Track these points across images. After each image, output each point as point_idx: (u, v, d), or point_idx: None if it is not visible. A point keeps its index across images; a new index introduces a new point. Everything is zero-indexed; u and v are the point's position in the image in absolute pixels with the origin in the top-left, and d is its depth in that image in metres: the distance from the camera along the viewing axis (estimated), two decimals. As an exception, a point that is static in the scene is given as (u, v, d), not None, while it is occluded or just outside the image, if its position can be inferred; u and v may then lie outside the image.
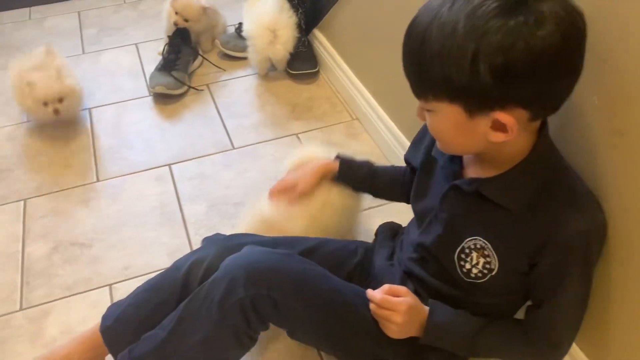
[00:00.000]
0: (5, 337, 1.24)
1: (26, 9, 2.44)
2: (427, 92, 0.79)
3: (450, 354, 0.99)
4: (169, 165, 1.68)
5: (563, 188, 0.84)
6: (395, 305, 0.94)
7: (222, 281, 0.92)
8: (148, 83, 1.96)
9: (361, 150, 1.70)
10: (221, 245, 1.06)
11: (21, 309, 1.29)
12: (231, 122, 1.83)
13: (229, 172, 1.63)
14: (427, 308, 0.96)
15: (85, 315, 1.27)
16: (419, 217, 1.06)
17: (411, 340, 0.97)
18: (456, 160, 0.96)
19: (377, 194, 1.27)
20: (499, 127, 0.78)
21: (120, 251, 1.42)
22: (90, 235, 1.46)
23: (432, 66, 0.74)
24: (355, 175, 1.25)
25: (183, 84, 1.93)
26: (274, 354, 1.19)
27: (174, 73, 1.92)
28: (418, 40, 0.75)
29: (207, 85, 2.01)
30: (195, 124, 1.83)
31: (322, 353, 1.19)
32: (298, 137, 1.77)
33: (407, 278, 1.05)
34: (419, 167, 1.07)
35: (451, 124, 0.81)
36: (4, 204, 1.55)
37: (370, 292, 0.95)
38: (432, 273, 1.01)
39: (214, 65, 2.08)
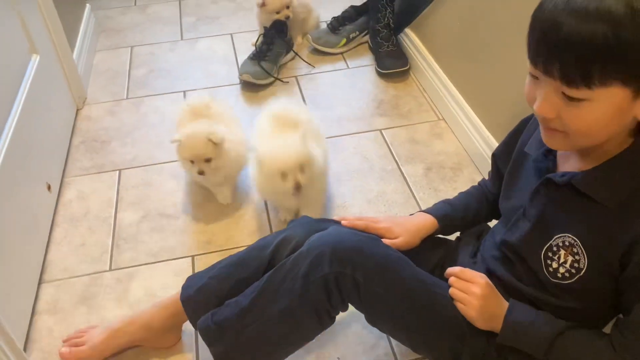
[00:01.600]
0: (94, 292, 1.32)
1: (133, -4, 2.60)
2: (594, 77, 0.71)
3: (530, 356, 0.95)
4: (255, 149, 1.72)
5: None
6: (474, 277, 0.94)
7: (307, 256, 0.94)
8: (238, 70, 2.03)
9: (445, 150, 1.68)
10: (308, 228, 1.08)
11: (110, 269, 1.37)
12: (317, 114, 1.85)
13: (312, 161, 1.66)
14: (506, 303, 0.93)
15: (167, 282, 1.33)
16: (506, 215, 1.03)
17: (489, 336, 0.95)
18: (551, 156, 0.92)
19: (473, 225, 1.19)
20: None
21: (204, 225, 1.48)
22: (178, 208, 1.53)
23: (627, 50, 0.69)
24: (454, 225, 1.15)
25: (269, 75, 1.98)
26: (345, 341, 1.20)
27: (263, 63, 1.98)
28: (606, 24, 0.69)
29: (296, 77, 2.05)
30: (282, 112, 1.87)
31: (393, 344, 1.18)
32: (381, 133, 1.77)
33: (488, 277, 1.03)
34: (510, 165, 1.04)
35: (609, 110, 0.74)
36: (101, 172, 1.65)
37: (449, 268, 0.94)
38: (515, 273, 0.98)
39: (304, 60, 2.12)
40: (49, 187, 1.50)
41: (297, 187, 1.25)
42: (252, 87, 1.98)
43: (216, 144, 1.37)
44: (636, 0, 0.68)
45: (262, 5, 2.03)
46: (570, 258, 0.87)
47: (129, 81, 2.05)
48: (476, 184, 1.23)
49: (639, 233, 0.79)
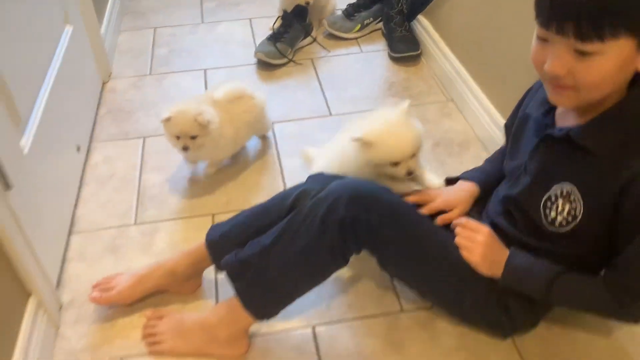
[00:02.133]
0: (120, 244, 1.40)
1: (155, -19, 2.69)
2: (605, 28, 0.78)
3: (530, 300, 1.03)
4: (272, 123, 1.81)
5: None
6: (478, 227, 1.03)
7: (326, 200, 1.02)
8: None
9: (453, 128, 1.76)
10: (325, 182, 1.15)
11: (135, 223, 1.46)
12: (330, 93, 1.95)
13: (324, 134, 1.73)
14: (507, 251, 1.02)
15: (189, 236, 1.42)
16: (510, 174, 1.11)
17: (490, 282, 1.03)
18: (549, 115, 1.01)
19: None
20: None
21: (224, 187, 1.57)
22: (198, 173, 1.62)
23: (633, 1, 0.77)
24: (490, 189, 1.20)
25: (283, 56, 2.06)
26: (355, 292, 1.28)
27: (278, 44, 2.07)
28: None
29: (312, 59, 2.14)
30: (298, 91, 1.96)
31: (400, 295, 1.26)
32: (393, 111, 1.85)
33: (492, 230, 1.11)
34: (514, 129, 1.12)
35: (617, 62, 0.82)
36: (127, 139, 1.75)
37: (456, 219, 1.02)
38: (516, 225, 1.06)
39: (320, 45, 2.20)
40: (78, 149, 1.60)
41: (410, 173, 1.13)
42: (267, 67, 2.07)
43: (201, 125, 1.41)
44: None
45: (284, -11, 2.13)
46: (567, 206, 0.95)
47: (152, 59, 2.15)
48: (482, 161, 1.31)
49: (629, 178, 0.87)
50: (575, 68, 0.84)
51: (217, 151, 1.55)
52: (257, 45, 2.16)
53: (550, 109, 1.02)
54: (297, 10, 2.13)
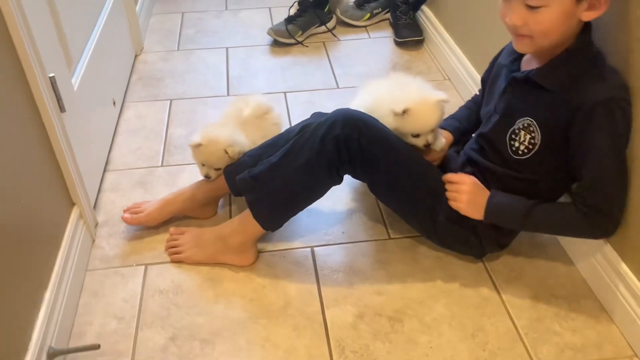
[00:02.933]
0: (149, 180, 1.61)
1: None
2: None
3: (495, 225, 1.22)
4: (284, 92, 2.03)
5: (594, 69, 1.06)
6: (462, 178, 1.21)
7: (325, 123, 1.22)
8: (269, 28, 2.35)
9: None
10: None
11: (162, 165, 1.67)
12: (339, 70, 2.16)
13: (332, 103, 1.94)
14: (488, 193, 1.21)
15: (208, 177, 1.62)
16: (483, 117, 1.31)
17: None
18: (516, 63, 1.21)
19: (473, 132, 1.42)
20: (592, 6, 1.01)
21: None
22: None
23: None
24: (462, 135, 1.40)
25: (292, 37, 2.29)
26: (349, 222, 1.47)
27: (290, 26, 2.29)
28: None
29: (324, 42, 2.36)
30: (310, 67, 2.18)
31: (388, 226, 1.45)
32: (394, 86, 2.05)
33: (467, 163, 1.30)
34: (489, 79, 1.32)
35: (559, 14, 1.01)
36: (156, 100, 1.97)
37: (444, 176, 1.23)
38: (487, 157, 1.25)
39: (331, 33, 2.42)
40: (114, 103, 1.82)
41: (427, 146, 1.29)
42: (280, 46, 2.30)
43: (231, 157, 1.39)
44: None
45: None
46: (528, 136, 1.14)
47: (180, 37, 2.38)
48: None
49: (574, 106, 1.06)
50: (528, 19, 1.05)
51: None
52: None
53: (517, 58, 1.22)
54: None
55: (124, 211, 1.45)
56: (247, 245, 1.32)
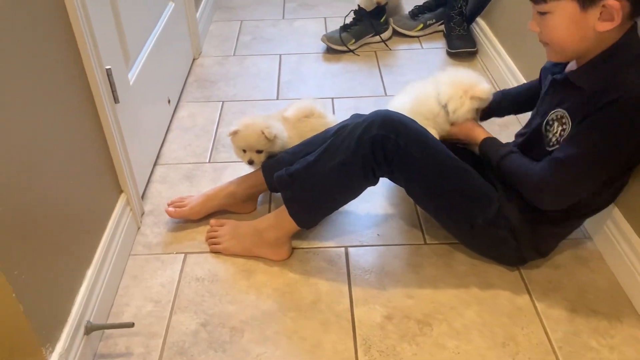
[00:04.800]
0: (195, 175, 1.68)
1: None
2: None
3: (534, 228, 1.20)
4: (332, 98, 2.06)
5: (632, 67, 1.04)
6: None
7: (363, 123, 1.24)
8: (326, 36, 2.39)
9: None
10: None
11: (209, 162, 1.73)
12: (388, 78, 2.17)
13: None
14: (482, 134, 1.31)
15: (251, 174, 1.66)
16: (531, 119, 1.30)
17: (497, 206, 1.20)
18: (558, 66, 1.21)
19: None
20: (606, 16, 1.00)
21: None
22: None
23: None
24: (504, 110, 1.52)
25: (344, 44, 2.32)
26: (385, 225, 1.48)
27: (343, 34, 2.33)
28: None
29: (375, 51, 2.38)
30: (359, 75, 2.20)
31: (425, 232, 1.44)
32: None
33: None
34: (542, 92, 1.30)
35: (566, 21, 1.04)
36: (208, 101, 2.05)
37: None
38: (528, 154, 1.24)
39: (384, 43, 2.43)
40: (169, 101, 1.91)
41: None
42: (333, 53, 2.34)
43: (268, 139, 1.43)
44: None
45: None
46: (559, 128, 1.14)
47: (237, 44, 2.47)
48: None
49: (599, 105, 1.05)
50: (541, 26, 1.09)
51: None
52: (327, 33, 2.44)
53: (559, 64, 1.20)
54: (376, 9, 2.38)
55: (168, 205, 1.51)
56: (281, 240, 1.35)
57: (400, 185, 1.31)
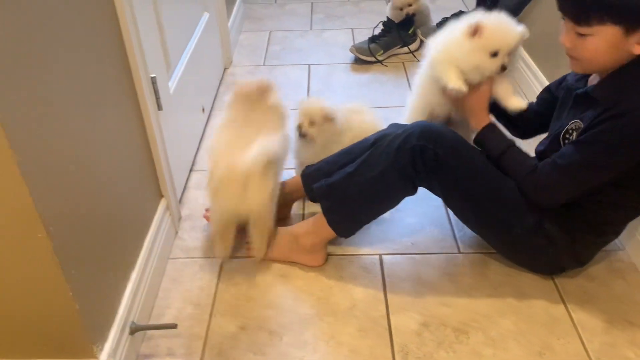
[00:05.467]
0: (229, 181, 1.71)
1: (274, -4, 3.10)
2: (592, 18, 1.05)
3: (573, 237, 1.21)
4: (362, 108, 2.08)
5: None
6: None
7: (402, 135, 1.26)
8: (355, 48, 2.42)
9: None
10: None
11: (242, 169, 1.76)
12: (417, 89, 2.20)
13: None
14: (487, 118, 1.31)
15: (285, 182, 1.69)
16: (549, 136, 1.31)
17: (536, 214, 1.22)
18: (581, 81, 1.23)
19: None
20: None
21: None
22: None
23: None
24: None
25: (372, 55, 2.35)
26: (419, 234, 1.49)
27: (372, 45, 2.36)
28: None
29: (403, 62, 2.41)
30: (387, 85, 2.23)
31: (459, 241, 1.46)
32: (472, 107, 2.06)
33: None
34: (560, 100, 1.32)
35: (606, 44, 1.07)
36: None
37: None
38: None
39: (412, 53, 2.46)
40: (203, 110, 1.95)
41: (503, 68, 1.30)
42: (361, 64, 2.37)
43: (322, 117, 1.50)
44: None
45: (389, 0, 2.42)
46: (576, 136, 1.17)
47: (266, 54, 2.51)
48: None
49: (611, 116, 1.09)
50: (576, 44, 1.11)
51: (324, 151, 1.54)
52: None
53: (582, 77, 1.23)
54: (404, 21, 2.41)
55: (206, 210, 1.55)
56: (318, 247, 1.37)
57: (438, 195, 1.32)
